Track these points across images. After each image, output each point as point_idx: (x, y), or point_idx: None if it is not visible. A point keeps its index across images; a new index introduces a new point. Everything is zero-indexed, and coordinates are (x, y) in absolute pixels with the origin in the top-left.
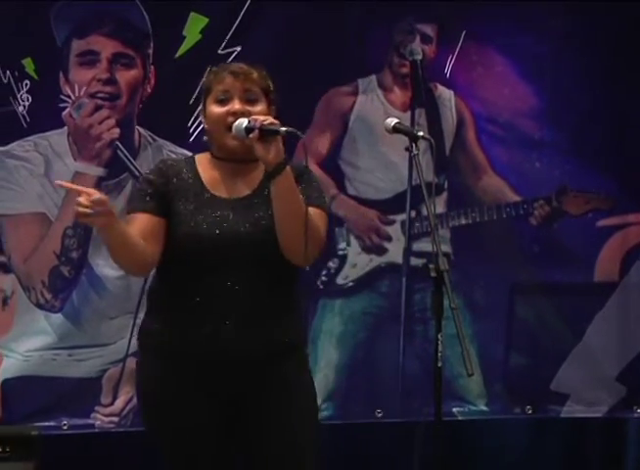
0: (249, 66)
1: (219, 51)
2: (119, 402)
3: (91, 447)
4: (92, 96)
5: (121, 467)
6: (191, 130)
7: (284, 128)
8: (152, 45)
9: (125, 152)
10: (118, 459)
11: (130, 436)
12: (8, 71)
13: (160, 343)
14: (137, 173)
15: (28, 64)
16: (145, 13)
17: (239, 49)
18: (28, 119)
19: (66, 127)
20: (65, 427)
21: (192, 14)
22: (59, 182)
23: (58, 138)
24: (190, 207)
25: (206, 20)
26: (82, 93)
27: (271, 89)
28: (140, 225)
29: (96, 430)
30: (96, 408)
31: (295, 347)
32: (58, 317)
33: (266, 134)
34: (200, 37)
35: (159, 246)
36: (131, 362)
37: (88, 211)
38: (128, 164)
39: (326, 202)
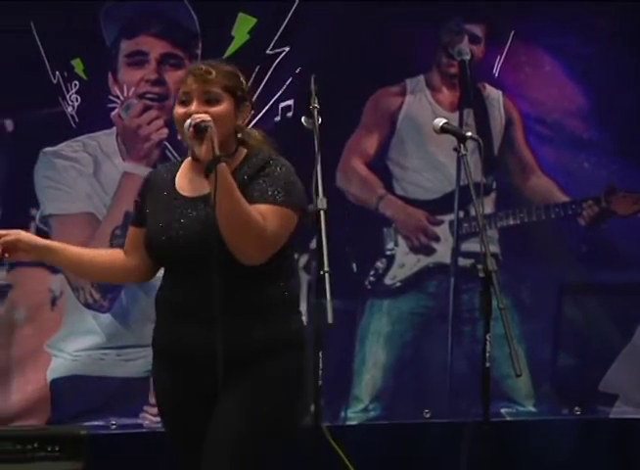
0: (212, 65)
1: (267, 51)
2: None
3: (139, 447)
4: (141, 96)
5: (169, 467)
6: None
7: (204, 124)
8: (200, 45)
9: (174, 152)
10: (166, 459)
11: None
12: (57, 72)
13: (154, 341)
14: None
15: (78, 64)
16: (193, 13)
17: (287, 49)
18: (77, 120)
19: (114, 128)
20: (113, 426)
21: (240, 14)
22: None
23: (107, 138)
24: (154, 208)
25: (255, 20)
26: (131, 94)
27: (237, 86)
28: (128, 237)
29: (144, 429)
30: (144, 408)
31: (263, 349)
32: (106, 317)
33: (198, 131)
34: (248, 38)
35: (138, 256)
36: None
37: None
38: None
39: (287, 196)
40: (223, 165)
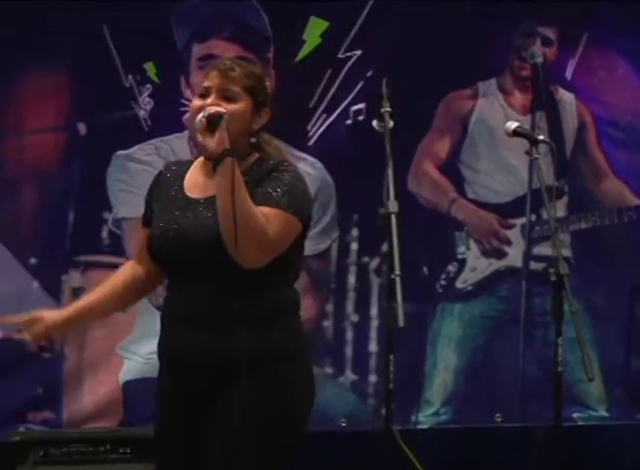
0: (237, 63)
1: (339, 55)
2: None
3: None
4: None
5: None
6: (310, 134)
7: (218, 114)
8: (272, 49)
9: None
10: None
11: None
12: (130, 76)
13: (158, 345)
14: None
15: (150, 68)
16: (265, 17)
17: (358, 53)
18: (150, 123)
19: (186, 131)
20: None
21: (312, 18)
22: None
23: (179, 142)
24: (159, 208)
25: (327, 24)
26: None
27: (259, 89)
28: (139, 239)
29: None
30: None
31: (262, 356)
32: None
33: (211, 124)
34: (320, 41)
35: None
36: None
37: (33, 335)
38: None
39: (291, 201)
40: (231, 161)
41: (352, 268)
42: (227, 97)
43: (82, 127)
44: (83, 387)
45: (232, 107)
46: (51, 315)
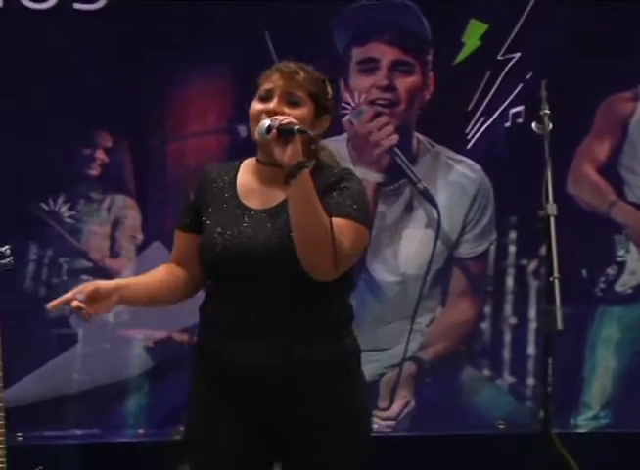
0: (301, 67)
1: (498, 57)
2: (396, 406)
3: None
4: (372, 103)
5: None
6: (469, 136)
7: (297, 127)
8: (431, 52)
9: (404, 158)
10: (395, 463)
11: (407, 440)
12: None
13: (196, 356)
14: (415, 179)
15: None
16: (424, 20)
17: (518, 55)
18: None
19: (345, 134)
20: None
21: (472, 20)
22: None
23: (338, 145)
24: (215, 216)
25: (486, 26)
26: (362, 100)
27: (322, 95)
28: (178, 244)
29: (373, 434)
30: (374, 412)
31: (323, 370)
32: None
33: (284, 134)
34: (479, 44)
35: (195, 266)
36: (409, 367)
37: (78, 307)
38: (406, 170)
39: (362, 213)
40: (307, 172)
41: (510, 271)
42: (291, 101)
43: (243, 130)
44: None
45: (296, 112)
46: (103, 282)
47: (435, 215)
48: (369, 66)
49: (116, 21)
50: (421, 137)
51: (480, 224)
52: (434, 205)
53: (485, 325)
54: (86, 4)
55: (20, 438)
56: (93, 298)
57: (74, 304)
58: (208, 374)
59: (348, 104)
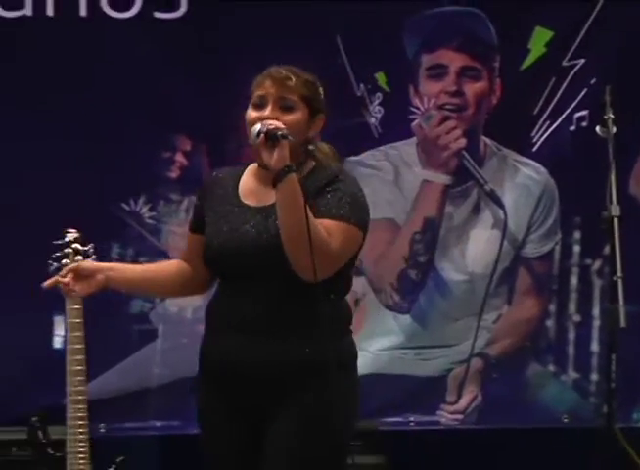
0: (291, 71)
1: (563, 63)
2: (464, 401)
3: (436, 444)
4: (440, 107)
5: (465, 463)
6: (535, 140)
7: (280, 132)
8: (498, 58)
9: (471, 161)
10: (462, 455)
11: (474, 433)
12: (362, 85)
13: (201, 355)
14: (482, 181)
15: (381, 77)
16: (492, 27)
17: (582, 61)
18: (380, 130)
19: (415, 137)
20: (411, 423)
21: (537, 28)
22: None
23: (407, 148)
24: (215, 217)
25: (551, 33)
26: (431, 105)
27: (314, 97)
28: (187, 244)
29: (441, 427)
30: (441, 406)
31: (318, 366)
32: (406, 318)
33: (271, 139)
34: (544, 50)
35: (199, 264)
36: (476, 362)
37: (66, 282)
38: (474, 172)
39: (353, 213)
40: (293, 176)
41: (575, 270)
42: (284, 107)
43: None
44: None
45: (289, 118)
46: (88, 261)
47: (502, 216)
48: (438, 71)
49: (195, 28)
50: (488, 141)
51: (546, 225)
52: (501, 206)
53: (550, 322)
54: (166, 12)
55: (102, 429)
56: (77, 276)
57: (60, 279)
58: (207, 372)
59: (418, 108)
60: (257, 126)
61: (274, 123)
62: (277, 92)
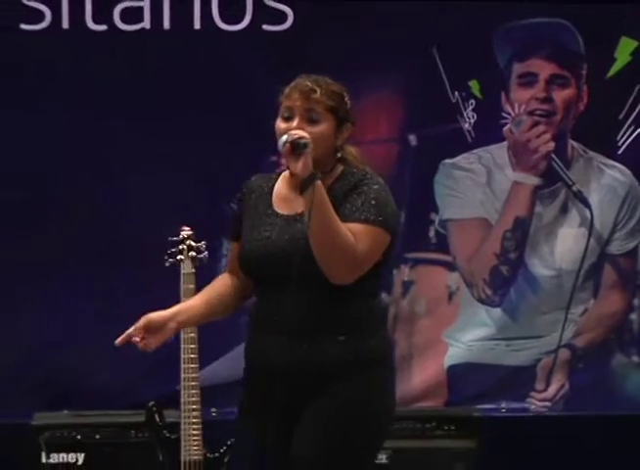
0: (318, 82)
1: None
2: (552, 389)
3: (526, 429)
4: (530, 113)
5: (552, 447)
6: (620, 143)
7: (303, 141)
8: (585, 66)
9: (559, 163)
10: (550, 440)
11: (561, 420)
12: (456, 92)
13: (245, 357)
14: (570, 183)
15: (474, 85)
16: (579, 37)
17: None
18: (473, 135)
19: (506, 141)
20: (503, 410)
21: (623, 38)
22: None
23: (499, 151)
24: (251, 224)
25: (636, 43)
26: (521, 111)
27: (341, 107)
28: (232, 254)
29: (531, 413)
30: (531, 393)
31: (348, 365)
32: (497, 311)
33: (296, 148)
34: (630, 59)
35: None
36: (563, 353)
37: (138, 341)
38: (562, 174)
39: (379, 215)
40: (319, 183)
41: None
42: (311, 119)
43: (413, 139)
44: (412, 369)
45: (316, 130)
46: (155, 313)
47: (588, 215)
48: (528, 79)
49: (301, 40)
50: (575, 144)
51: (630, 223)
52: (588, 206)
53: (634, 316)
54: (274, 25)
55: (214, 413)
56: (149, 330)
57: (134, 340)
58: (250, 372)
59: (509, 114)
60: (284, 137)
61: (298, 133)
62: (303, 104)
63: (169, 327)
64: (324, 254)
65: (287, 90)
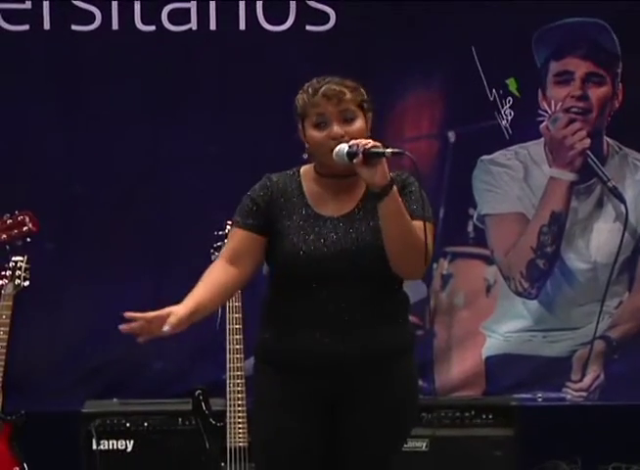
0: (341, 84)
1: None
2: (588, 379)
3: (562, 418)
4: (566, 111)
5: (587, 436)
6: None
7: (389, 150)
8: (620, 65)
9: (595, 159)
10: (585, 429)
11: (597, 409)
12: (494, 90)
13: (267, 352)
14: (605, 178)
15: (511, 83)
16: (615, 36)
17: None
18: (510, 132)
19: (542, 138)
20: (539, 399)
21: None
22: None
23: (536, 148)
24: (295, 224)
25: None
26: (558, 108)
27: (365, 100)
28: (237, 242)
29: (567, 403)
30: (567, 384)
31: (391, 356)
32: (534, 303)
33: (370, 157)
34: None
35: (252, 264)
36: (599, 344)
37: (159, 331)
38: (597, 170)
39: (429, 211)
40: (395, 190)
41: None
42: (346, 119)
43: (452, 135)
44: (451, 360)
45: (355, 128)
46: (179, 310)
47: (623, 210)
48: (564, 78)
49: (344, 40)
50: (610, 141)
51: None
52: (623, 201)
53: None
54: (317, 26)
55: None
56: (163, 322)
57: (140, 328)
58: (283, 365)
59: (545, 112)
60: (344, 147)
61: (370, 142)
62: (336, 108)
63: (185, 323)
64: (404, 255)
65: (311, 100)
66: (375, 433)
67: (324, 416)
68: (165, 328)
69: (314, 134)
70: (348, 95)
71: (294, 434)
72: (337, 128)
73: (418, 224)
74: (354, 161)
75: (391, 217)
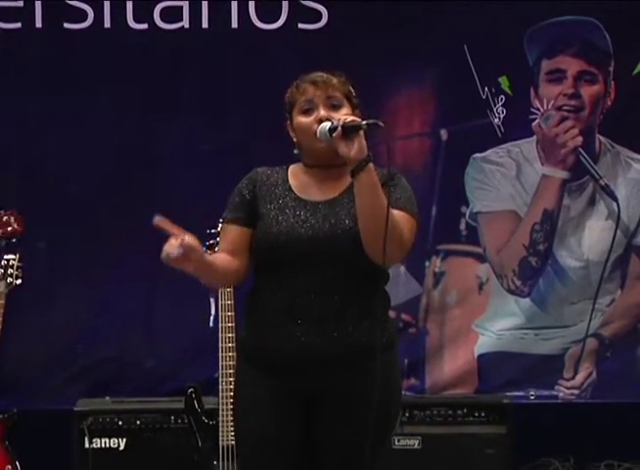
0: (328, 73)
1: None
2: (580, 377)
3: (554, 416)
4: (558, 109)
5: (579, 433)
6: None
7: (364, 122)
8: (612, 64)
9: (587, 157)
10: (577, 427)
11: (589, 406)
12: (486, 88)
13: (247, 345)
14: (597, 176)
15: (504, 81)
16: (607, 35)
17: None
18: (503, 130)
19: (535, 136)
20: (532, 397)
21: None
22: (157, 221)
23: (528, 146)
24: (273, 208)
25: None
26: (550, 106)
27: (353, 93)
28: (230, 237)
29: (559, 401)
30: (559, 381)
31: (370, 353)
32: (526, 301)
33: (349, 131)
34: None
35: (245, 257)
36: (591, 342)
37: (174, 252)
38: (589, 168)
39: (413, 206)
40: (371, 165)
41: None
42: (333, 105)
43: (444, 133)
44: (443, 358)
45: (342, 113)
46: (200, 247)
47: (616, 208)
48: (557, 76)
49: (336, 38)
50: (602, 139)
51: None
52: (615, 199)
53: None
54: (309, 24)
55: None
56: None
57: (173, 240)
58: (257, 362)
59: (538, 110)
60: (326, 124)
61: (349, 116)
62: (323, 93)
63: (197, 260)
64: (377, 234)
65: (301, 87)
66: (352, 432)
67: (301, 414)
68: (179, 243)
69: (302, 120)
70: (335, 82)
71: (269, 432)
72: (323, 112)
73: (399, 213)
74: (334, 135)
75: (365, 193)
